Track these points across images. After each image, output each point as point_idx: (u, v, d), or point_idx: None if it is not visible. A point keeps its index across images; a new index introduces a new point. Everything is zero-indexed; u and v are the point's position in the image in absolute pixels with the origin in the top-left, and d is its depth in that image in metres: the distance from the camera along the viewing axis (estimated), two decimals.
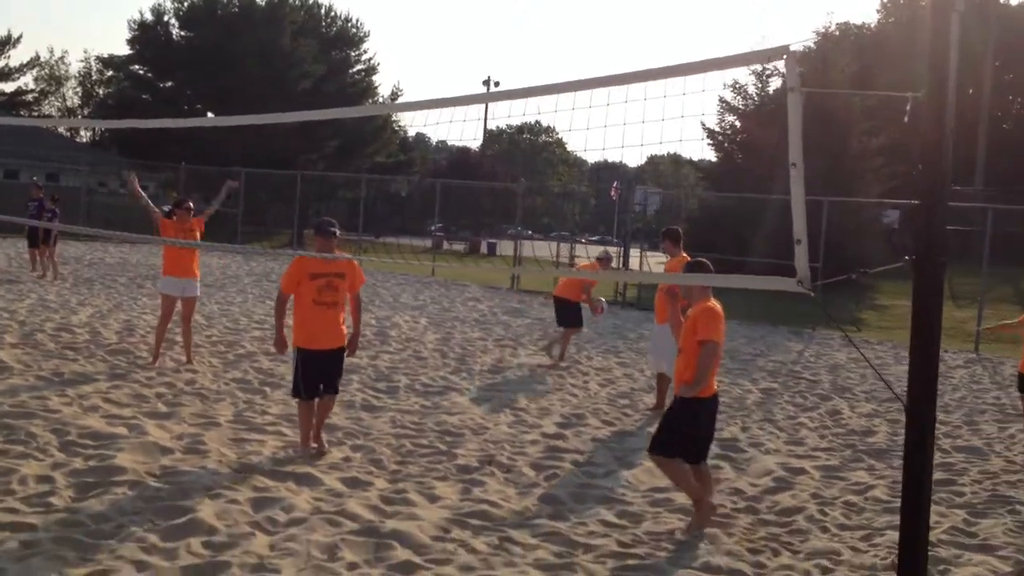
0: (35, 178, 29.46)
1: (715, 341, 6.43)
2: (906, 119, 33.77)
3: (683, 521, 6.68)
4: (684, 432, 6.50)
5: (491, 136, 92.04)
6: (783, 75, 32.31)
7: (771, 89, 33.69)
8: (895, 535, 6.42)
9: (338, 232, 8.08)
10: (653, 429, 9.65)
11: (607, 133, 5.33)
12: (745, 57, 4.87)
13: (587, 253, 27.46)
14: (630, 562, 5.90)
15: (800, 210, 4.44)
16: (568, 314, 13.63)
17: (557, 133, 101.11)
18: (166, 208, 12.30)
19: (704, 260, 7.01)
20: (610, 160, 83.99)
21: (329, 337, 7.90)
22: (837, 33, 44.18)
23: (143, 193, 12.25)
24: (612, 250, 16.09)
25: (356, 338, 8.24)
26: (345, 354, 8.10)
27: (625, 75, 5.06)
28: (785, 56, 4.49)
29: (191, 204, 11.67)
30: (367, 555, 5.71)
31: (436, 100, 6.02)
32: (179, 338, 11.88)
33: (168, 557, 5.40)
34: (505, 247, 45.38)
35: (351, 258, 8.36)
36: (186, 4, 53.15)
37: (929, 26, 4.22)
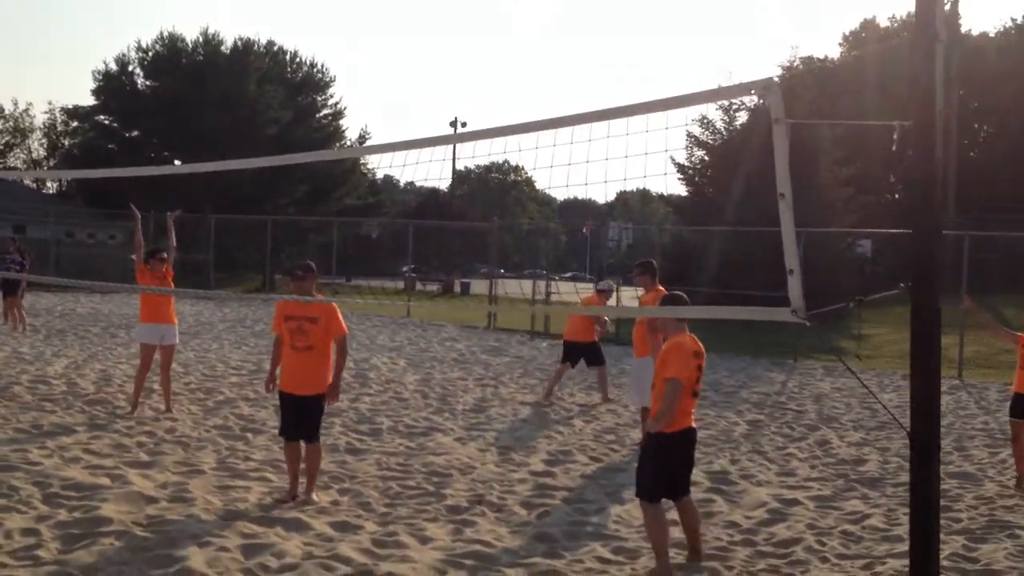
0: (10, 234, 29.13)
1: (675, 378, 6.28)
2: (894, 147, 34.23)
3: (680, 554, 6.62)
4: (656, 467, 6.34)
5: (460, 176, 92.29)
6: (751, 109, 32.73)
7: (738, 123, 34.00)
8: (896, 563, 6.43)
9: (305, 273, 8.00)
10: None
11: (588, 168, 5.34)
12: (724, 92, 4.89)
13: (559, 290, 27.51)
14: None
15: (791, 240, 4.45)
16: (592, 354, 13.78)
17: (525, 172, 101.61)
18: (134, 258, 12.16)
19: (680, 293, 6.90)
20: (579, 197, 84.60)
21: (298, 382, 7.70)
22: (800, 67, 44.81)
23: (142, 239, 12.08)
24: (610, 282, 16.14)
25: (334, 386, 7.89)
26: (325, 403, 7.90)
27: (606, 111, 5.09)
28: (769, 89, 4.53)
29: (165, 254, 11.56)
30: None
31: (403, 142, 6.02)
32: (157, 387, 11.72)
33: None
34: (478, 286, 45.36)
35: (328, 300, 8.17)
36: (150, 54, 53.14)
37: (912, 57, 4.25)
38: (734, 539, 7.15)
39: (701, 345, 6.55)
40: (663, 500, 6.41)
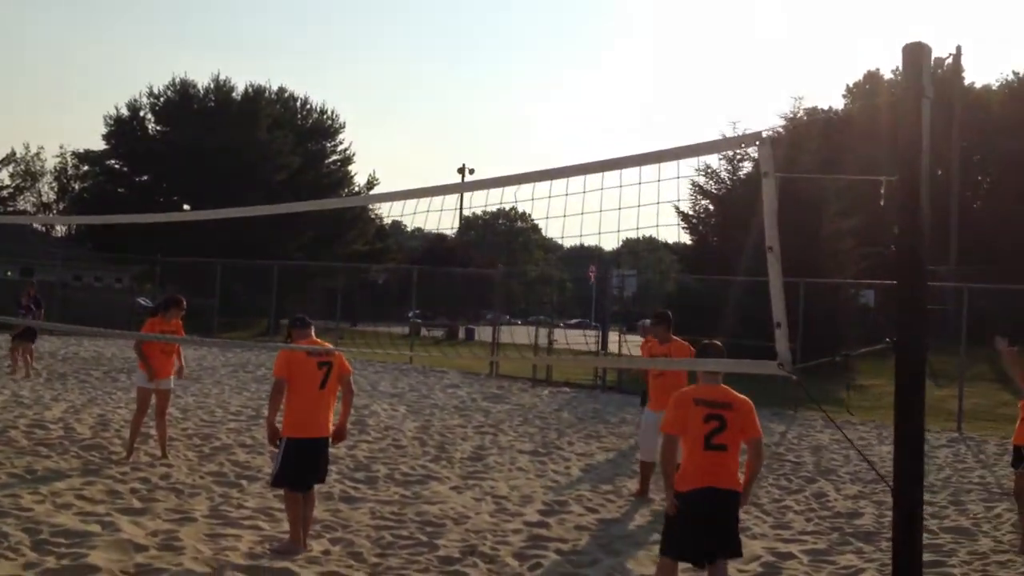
0: (9, 272, 29.28)
1: (665, 432, 6.19)
2: (882, 203, 34.32)
3: None
4: (668, 525, 6.18)
5: (466, 222, 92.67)
6: (755, 160, 32.84)
7: (742, 173, 34.15)
8: None
9: (306, 322, 8.12)
10: (638, 516, 9.62)
11: (584, 220, 5.34)
12: (719, 144, 4.92)
13: (566, 337, 27.48)
14: None
15: (778, 293, 4.45)
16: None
17: (532, 219, 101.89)
18: (142, 301, 12.13)
19: (712, 344, 6.47)
20: (586, 244, 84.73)
21: (321, 424, 7.78)
22: (805, 117, 45.11)
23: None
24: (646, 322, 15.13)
25: (343, 427, 8.06)
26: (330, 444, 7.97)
27: (602, 163, 5.11)
28: (758, 142, 4.56)
29: (184, 302, 11.57)
30: None
31: (411, 191, 6.04)
32: (154, 432, 11.70)
33: None
34: (484, 332, 45.32)
35: (333, 348, 8.25)
36: (162, 99, 53.69)
37: (900, 112, 4.27)
38: None
39: (729, 394, 6.16)
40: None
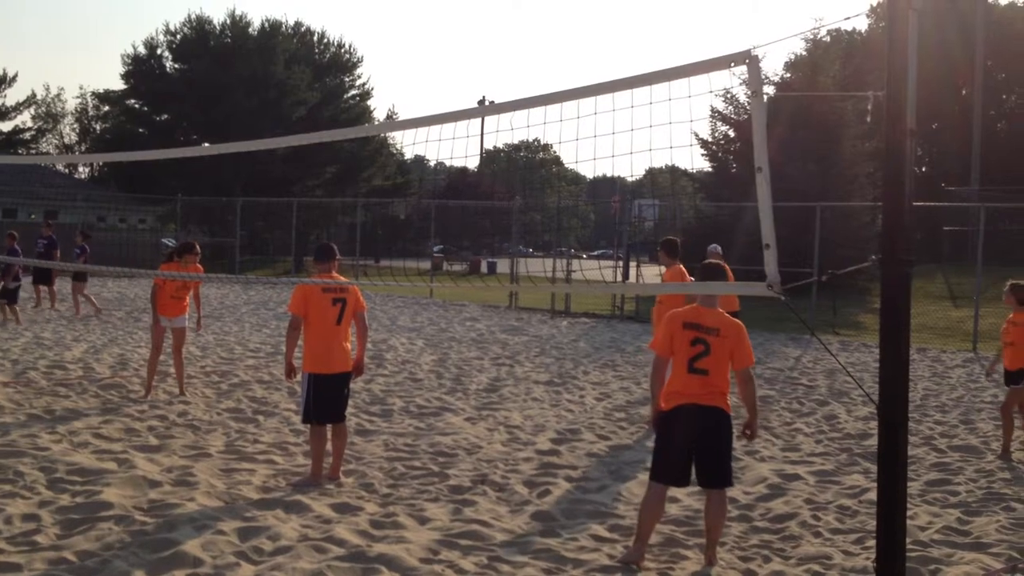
0: (32, 215, 29.57)
1: (654, 349, 6.21)
2: (868, 119, 33.76)
3: (675, 532, 6.63)
4: (657, 446, 6.19)
5: (488, 155, 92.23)
6: (776, 83, 32.46)
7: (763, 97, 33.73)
8: None
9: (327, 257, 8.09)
10: (649, 442, 9.69)
11: (596, 143, 5.32)
12: (708, 64, 4.82)
13: (581, 268, 27.47)
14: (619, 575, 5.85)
15: (767, 214, 4.42)
16: None
17: (553, 149, 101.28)
18: (167, 242, 12.20)
19: (713, 263, 6.46)
20: (608, 175, 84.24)
21: (341, 359, 7.84)
22: (828, 39, 44.30)
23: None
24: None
25: (360, 361, 8.09)
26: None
27: (599, 85, 5.08)
28: (747, 61, 4.49)
29: (198, 247, 11.65)
30: None
31: (427, 117, 6.09)
32: (172, 370, 11.85)
33: None
34: (505, 266, 45.38)
35: (349, 282, 8.24)
36: (178, 37, 53.44)
37: (887, 24, 4.21)
38: (731, 515, 7.12)
39: (720, 318, 6.09)
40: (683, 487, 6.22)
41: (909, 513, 5.81)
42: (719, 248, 13.96)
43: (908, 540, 4.78)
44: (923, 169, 46.39)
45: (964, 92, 45.19)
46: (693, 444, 6.02)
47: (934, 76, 38.17)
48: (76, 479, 7.49)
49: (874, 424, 10.62)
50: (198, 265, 11.67)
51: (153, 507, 6.88)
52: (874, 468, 8.57)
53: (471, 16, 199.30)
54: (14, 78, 59.90)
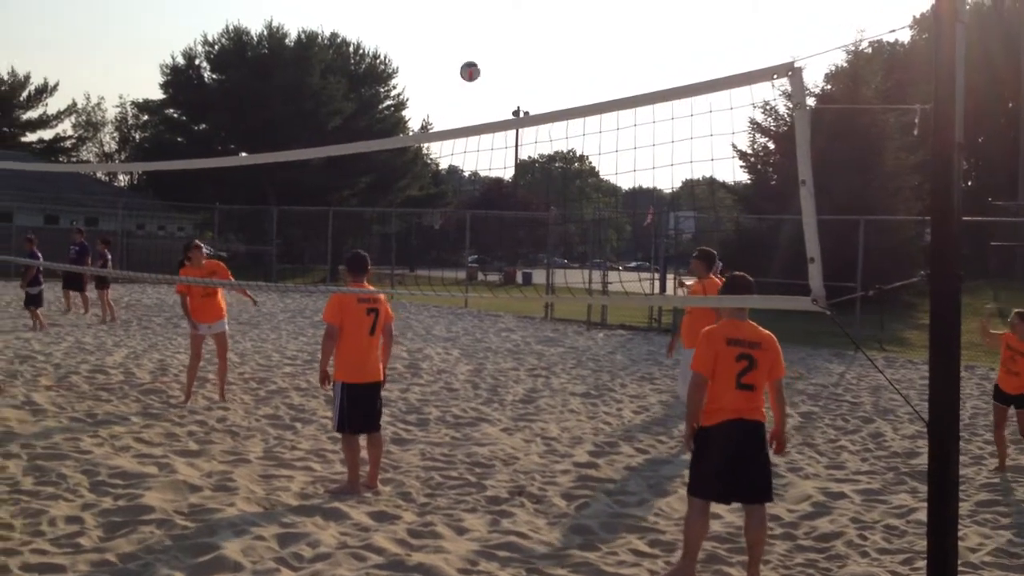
0: (73, 222, 29.99)
1: (695, 370, 6.03)
2: (915, 132, 33.37)
3: (717, 548, 6.55)
4: (696, 463, 6.06)
5: (523, 166, 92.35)
6: (816, 95, 32.19)
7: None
8: None
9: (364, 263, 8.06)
10: (687, 456, 9.60)
11: (636, 154, 5.27)
12: (750, 76, 4.76)
13: (620, 279, 27.36)
14: None
15: (812, 228, 4.37)
16: None
17: (589, 160, 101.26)
18: (204, 249, 12.12)
19: (740, 275, 6.23)
20: (644, 186, 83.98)
21: (375, 369, 7.87)
22: (869, 51, 43.93)
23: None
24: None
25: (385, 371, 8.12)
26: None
27: (639, 96, 5.03)
28: (790, 72, 4.43)
29: (201, 246, 11.60)
30: None
31: (462, 129, 6.05)
32: (212, 376, 11.90)
33: None
34: (541, 276, 45.32)
35: (378, 291, 8.27)
36: (216, 47, 53.97)
37: (933, 37, 4.14)
38: (774, 532, 7.04)
39: (757, 332, 6.02)
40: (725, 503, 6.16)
41: (959, 534, 5.70)
42: (719, 263, 14.01)
43: (959, 562, 4.67)
44: (969, 183, 45.78)
45: (1011, 104, 44.57)
46: (734, 458, 5.93)
47: (980, 88, 37.71)
48: (118, 482, 7.53)
49: (921, 442, 10.52)
50: (217, 263, 11.68)
51: (193, 511, 6.90)
52: (922, 487, 8.49)
53: (505, 28, 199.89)
54: (55, 87, 60.79)
